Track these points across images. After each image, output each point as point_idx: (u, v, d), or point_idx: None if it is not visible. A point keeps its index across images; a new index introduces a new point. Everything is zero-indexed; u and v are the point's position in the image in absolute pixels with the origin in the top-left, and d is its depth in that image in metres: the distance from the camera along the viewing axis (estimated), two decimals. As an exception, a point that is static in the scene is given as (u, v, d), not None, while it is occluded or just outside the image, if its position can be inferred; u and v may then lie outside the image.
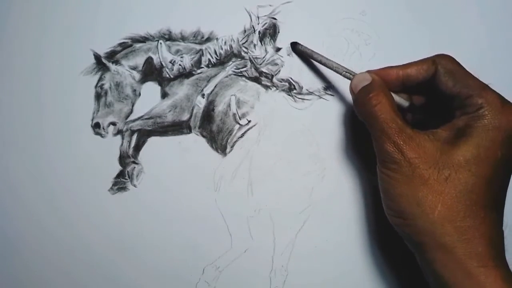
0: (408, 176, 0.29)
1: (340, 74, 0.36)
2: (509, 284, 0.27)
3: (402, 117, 0.31)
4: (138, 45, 0.41)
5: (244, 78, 0.41)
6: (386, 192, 0.31)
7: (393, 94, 0.33)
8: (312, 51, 0.39)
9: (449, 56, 0.32)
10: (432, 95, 0.34)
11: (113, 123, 0.40)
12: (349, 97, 0.40)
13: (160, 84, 0.41)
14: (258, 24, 0.41)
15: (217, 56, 0.41)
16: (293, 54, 0.41)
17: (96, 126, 0.40)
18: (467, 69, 0.32)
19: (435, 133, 0.30)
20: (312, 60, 0.40)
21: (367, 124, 0.32)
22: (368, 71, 0.34)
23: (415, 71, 0.33)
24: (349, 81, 0.35)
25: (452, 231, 0.28)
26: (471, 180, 0.28)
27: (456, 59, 0.33)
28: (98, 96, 0.40)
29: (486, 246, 0.28)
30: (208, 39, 0.41)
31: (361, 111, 0.33)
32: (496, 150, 0.28)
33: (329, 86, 0.41)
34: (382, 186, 0.32)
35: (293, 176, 0.40)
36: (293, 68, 0.41)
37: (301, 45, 0.40)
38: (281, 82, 0.41)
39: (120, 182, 0.39)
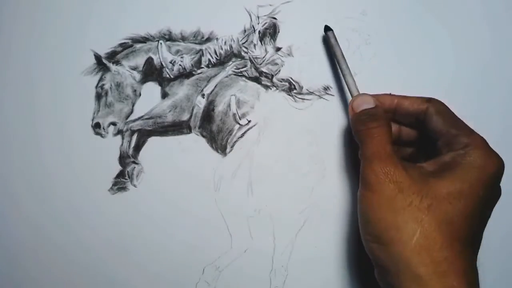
0: (390, 199, 0.29)
1: (347, 84, 0.37)
2: None
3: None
4: (138, 46, 0.41)
5: (244, 78, 0.41)
6: (365, 215, 0.31)
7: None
8: (340, 49, 0.38)
9: (441, 101, 0.34)
10: (421, 133, 0.35)
11: (114, 123, 0.40)
12: (349, 98, 0.40)
13: (160, 84, 0.41)
14: (258, 24, 0.41)
15: (217, 56, 0.41)
16: (293, 54, 0.41)
17: (96, 126, 0.40)
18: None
19: (421, 167, 0.31)
20: (319, 60, 0.40)
21: (361, 143, 0.33)
22: (372, 96, 0.35)
23: (408, 102, 0.34)
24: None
25: (428, 261, 0.27)
26: (452, 213, 0.28)
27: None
28: (98, 96, 0.40)
29: (461, 281, 0.27)
30: (208, 39, 0.41)
31: (360, 130, 0.33)
32: (478, 188, 0.29)
33: (329, 86, 0.41)
34: (362, 210, 0.32)
35: (293, 176, 0.40)
36: (293, 68, 0.41)
37: (334, 34, 0.39)
38: (281, 82, 0.41)
39: (120, 182, 0.39)
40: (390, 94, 0.36)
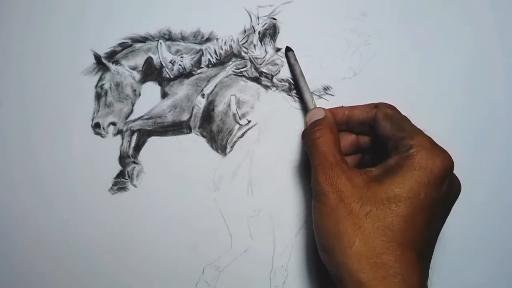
0: (333, 208, 0.30)
1: (305, 101, 0.38)
2: None
3: (344, 156, 0.32)
4: (138, 45, 0.41)
5: (244, 78, 0.41)
6: (315, 225, 0.32)
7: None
8: (299, 67, 0.39)
9: (390, 104, 0.34)
10: (374, 138, 0.35)
11: (113, 123, 0.40)
12: (349, 98, 0.40)
13: (160, 84, 0.41)
14: (258, 24, 0.41)
15: (217, 56, 0.41)
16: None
17: (96, 126, 0.40)
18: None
19: (368, 171, 0.31)
20: (316, 61, 0.40)
21: (309, 155, 0.34)
22: (324, 108, 0.36)
23: (358, 111, 0.35)
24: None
25: (367, 267, 0.28)
26: (389, 218, 0.28)
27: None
28: (98, 96, 0.40)
29: (401, 285, 0.27)
30: (208, 39, 0.41)
31: (305, 141, 0.34)
32: (419, 191, 0.29)
33: (329, 86, 0.41)
34: (313, 220, 0.32)
35: (293, 176, 0.40)
36: (293, 68, 0.41)
37: (294, 54, 0.40)
38: (281, 82, 0.41)
39: (120, 182, 0.39)
40: (342, 107, 0.37)
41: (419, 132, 0.32)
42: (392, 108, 0.34)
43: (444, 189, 0.30)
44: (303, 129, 0.36)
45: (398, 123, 0.33)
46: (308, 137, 0.34)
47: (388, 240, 0.28)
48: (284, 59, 0.41)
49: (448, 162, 0.30)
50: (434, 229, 0.31)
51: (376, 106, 0.34)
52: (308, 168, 0.39)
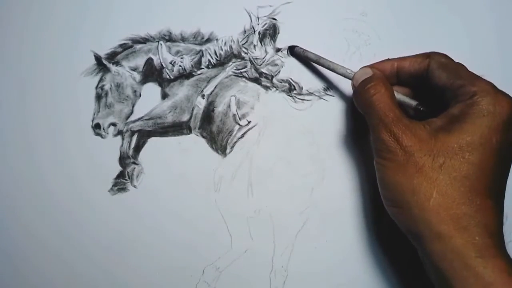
0: (403, 164, 0.29)
1: (341, 74, 0.37)
2: (508, 275, 0.26)
3: (400, 109, 0.31)
4: (138, 46, 0.41)
5: (244, 79, 0.41)
6: (381, 181, 0.32)
7: (399, 95, 0.34)
8: (312, 53, 0.39)
9: (442, 53, 0.33)
10: (426, 89, 0.34)
11: (114, 124, 0.40)
12: (349, 98, 0.40)
13: (160, 85, 0.41)
14: (258, 24, 0.41)
15: (217, 56, 0.41)
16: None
17: (96, 127, 0.40)
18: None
19: (430, 122, 0.31)
20: (312, 63, 0.40)
21: (365, 114, 0.33)
22: (369, 66, 0.35)
23: (408, 63, 0.34)
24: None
25: (447, 219, 0.28)
26: (465, 167, 0.28)
27: (456, 59, 0.33)
28: (98, 97, 0.40)
29: (483, 235, 0.27)
30: (208, 40, 0.41)
31: (359, 102, 0.33)
32: (490, 137, 0.28)
33: (329, 87, 0.41)
34: (378, 176, 0.32)
35: (293, 176, 0.40)
36: (293, 69, 0.41)
37: (300, 47, 0.40)
38: (281, 82, 0.41)
39: (120, 182, 0.39)
40: (388, 59, 0.35)
41: (479, 77, 0.31)
42: (445, 56, 0.33)
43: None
44: (354, 91, 0.35)
45: (454, 71, 0.32)
46: (362, 96, 0.33)
47: (467, 190, 0.28)
48: (284, 59, 0.41)
49: None
50: (506, 173, 0.31)
51: (428, 56, 0.33)
52: (308, 169, 0.39)
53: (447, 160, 0.28)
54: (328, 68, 0.37)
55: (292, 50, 0.40)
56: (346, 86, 0.40)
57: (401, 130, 0.30)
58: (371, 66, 0.35)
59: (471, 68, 0.32)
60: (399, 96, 0.34)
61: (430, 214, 0.28)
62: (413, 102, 0.34)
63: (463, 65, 0.32)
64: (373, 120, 0.31)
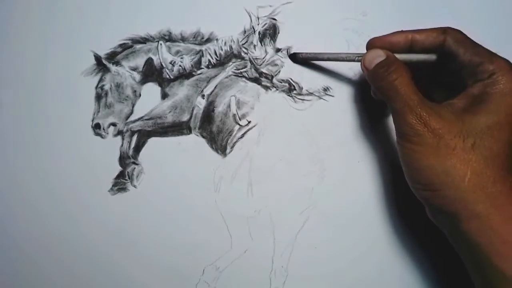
0: (433, 147, 0.29)
1: (353, 60, 0.36)
2: None
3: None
4: (138, 46, 0.41)
5: (244, 79, 0.41)
6: (410, 166, 0.31)
7: (417, 55, 0.33)
8: (314, 53, 0.39)
9: (458, 29, 0.33)
10: (440, 67, 0.34)
11: (114, 124, 0.40)
12: (349, 98, 0.40)
13: (160, 85, 0.41)
14: (258, 24, 0.41)
15: (217, 56, 0.41)
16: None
17: (96, 127, 0.40)
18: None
19: (452, 104, 0.31)
20: (316, 61, 0.40)
21: (387, 98, 0.32)
22: (380, 40, 0.34)
23: (424, 36, 0.33)
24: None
25: (484, 197, 0.28)
26: (496, 146, 0.29)
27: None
28: (98, 97, 0.40)
29: None
30: (208, 40, 0.41)
31: (380, 85, 0.33)
32: None
33: (329, 87, 0.41)
34: (406, 161, 0.32)
35: (293, 176, 0.40)
36: (293, 69, 0.41)
37: (301, 53, 0.40)
38: (281, 82, 0.41)
39: (120, 182, 0.39)
40: (402, 31, 0.35)
41: (496, 55, 0.31)
42: (462, 33, 0.32)
43: None
44: (366, 74, 0.34)
45: (472, 47, 0.31)
46: (384, 80, 0.32)
47: (501, 168, 0.29)
48: (284, 60, 0.41)
49: None
50: None
51: (445, 30, 0.33)
52: (308, 169, 0.39)
53: (478, 140, 0.29)
54: (332, 59, 0.37)
55: (294, 57, 0.40)
56: (346, 86, 0.40)
57: (428, 113, 0.30)
58: (382, 42, 0.34)
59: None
60: (415, 56, 0.33)
61: (466, 194, 0.28)
62: (433, 57, 0.33)
63: (478, 43, 0.32)
64: (398, 104, 0.31)
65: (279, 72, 0.41)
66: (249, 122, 0.40)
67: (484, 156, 0.29)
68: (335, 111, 0.40)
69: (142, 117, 0.40)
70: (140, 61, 0.41)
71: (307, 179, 0.40)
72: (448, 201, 0.29)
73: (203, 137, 0.40)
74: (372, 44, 0.35)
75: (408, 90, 0.31)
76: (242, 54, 0.41)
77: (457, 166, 0.29)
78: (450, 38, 0.32)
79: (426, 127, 0.30)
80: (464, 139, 0.29)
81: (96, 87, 0.40)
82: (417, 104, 0.30)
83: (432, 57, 0.33)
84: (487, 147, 0.29)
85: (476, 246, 0.28)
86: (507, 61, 0.31)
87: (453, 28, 0.33)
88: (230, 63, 0.41)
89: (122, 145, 0.40)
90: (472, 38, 0.32)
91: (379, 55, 0.33)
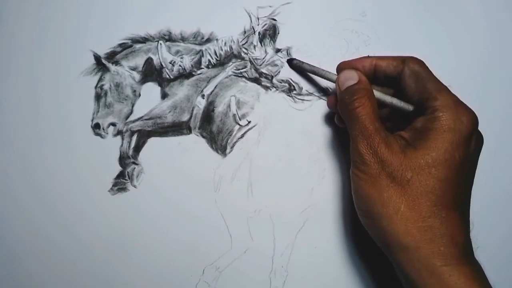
0: (375, 177, 0.30)
1: (327, 78, 0.37)
2: (473, 281, 0.28)
3: (380, 120, 0.32)
4: (138, 46, 0.41)
5: (244, 79, 0.41)
6: (355, 192, 0.32)
7: (397, 100, 0.34)
8: (307, 64, 0.39)
9: (419, 59, 0.33)
10: (399, 92, 0.34)
11: (113, 124, 0.40)
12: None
13: (160, 85, 0.41)
14: (258, 25, 0.41)
15: (217, 57, 0.41)
16: (293, 55, 0.41)
17: (96, 127, 0.40)
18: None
19: (401, 136, 0.32)
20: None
21: (346, 124, 0.33)
22: (351, 62, 0.35)
23: (385, 64, 0.34)
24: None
25: (414, 231, 0.29)
26: (431, 182, 0.29)
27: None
28: (98, 97, 0.40)
29: (448, 245, 0.28)
30: (208, 40, 0.41)
31: (343, 110, 0.34)
32: (453, 152, 0.29)
33: (328, 87, 0.41)
34: (353, 187, 0.33)
35: (293, 176, 0.40)
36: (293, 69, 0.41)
37: (297, 60, 0.40)
38: (281, 83, 0.41)
39: (120, 182, 0.39)
40: (368, 57, 0.35)
41: (443, 90, 0.31)
42: (420, 64, 0.33)
43: (473, 146, 0.30)
44: (338, 94, 0.34)
45: (423, 82, 0.32)
46: (346, 107, 0.33)
47: (433, 204, 0.29)
48: (284, 60, 0.41)
49: (473, 119, 0.30)
50: (470, 185, 0.32)
51: (404, 61, 0.33)
52: (308, 169, 0.39)
53: (415, 175, 0.29)
54: (321, 76, 0.37)
55: (291, 63, 0.40)
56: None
57: (377, 143, 0.30)
58: (354, 65, 0.35)
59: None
60: (395, 100, 0.34)
61: (398, 226, 0.29)
62: (410, 107, 0.34)
63: (433, 76, 0.32)
64: (353, 131, 0.32)
65: (279, 72, 0.41)
66: (249, 122, 0.40)
67: (418, 191, 0.29)
68: (335, 111, 0.40)
69: (141, 117, 0.40)
70: (139, 61, 0.41)
71: (307, 179, 0.40)
72: (383, 231, 0.30)
73: (203, 137, 0.40)
74: (341, 68, 0.36)
75: (366, 119, 0.31)
76: (242, 54, 0.41)
77: (393, 198, 0.30)
78: (406, 70, 0.33)
79: (374, 157, 0.30)
80: (402, 173, 0.29)
81: (96, 87, 0.40)
82: (370, 134, 0.31)
83: (409, 107, 0.34)
84: (423, 183, 0.29)
85: (408, 277, 0.29)
86: (453, 97, 0.31)
87: (413, 58, 0.33)
88: (230, 63, 0.41)
89: (122, 145, 0.40)
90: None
91: (351, 78, 0.34)
